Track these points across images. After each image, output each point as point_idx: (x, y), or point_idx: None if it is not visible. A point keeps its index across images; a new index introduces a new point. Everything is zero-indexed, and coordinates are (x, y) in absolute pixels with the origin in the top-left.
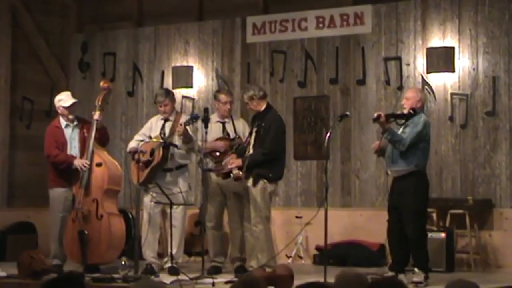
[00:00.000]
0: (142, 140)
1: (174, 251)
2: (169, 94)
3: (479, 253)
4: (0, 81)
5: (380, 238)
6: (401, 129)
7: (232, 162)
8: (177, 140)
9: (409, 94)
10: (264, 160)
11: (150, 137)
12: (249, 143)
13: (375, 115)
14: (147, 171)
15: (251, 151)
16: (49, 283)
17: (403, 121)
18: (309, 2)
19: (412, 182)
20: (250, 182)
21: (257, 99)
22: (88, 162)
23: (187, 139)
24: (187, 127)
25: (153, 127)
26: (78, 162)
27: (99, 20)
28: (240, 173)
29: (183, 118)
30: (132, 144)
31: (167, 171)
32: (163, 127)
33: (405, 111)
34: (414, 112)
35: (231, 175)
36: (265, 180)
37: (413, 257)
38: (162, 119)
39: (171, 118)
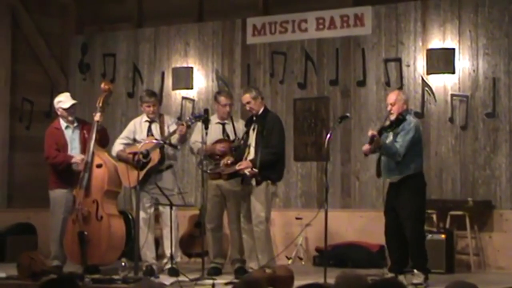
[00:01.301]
0: (127, 143)
1: (173, 251)
2: (155, 94)
3: (479, 254)
4: (0, 82)
5: (380, 240)
6: (391, 137)
7: (240, 164)
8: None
9: (393, 99)
10: (273, 159)
11: (134, 140)
12: (248, 144)
13: (370, 136)
14: (143, 173)
15: (251, 152)
16: (45, 284)
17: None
18: (309, 3)
19: (410, 184)
20: (253, 182)
21: (260, 99)
22: (83, 157)
23: (183, 139)
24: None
25: (137, 130)
26: (75, 159)
27: (99, 21)
28: (255, 170)
29: (168, 119)
30: (118, 148)
31: (160, 172)
32: (149, 129)
33: (393, 117)
34: (402, 116)
35: (247, 173)
36: (269, 181)
37: (412, 258)
38: (146, 121)
39: (156, 119)
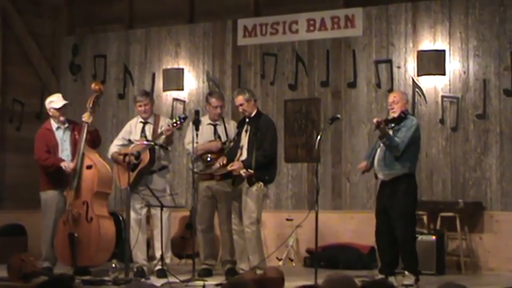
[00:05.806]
0: (122, 145)
1: (163, 252)
2: (148, 94)
3: (469, 255)
4: None
5: (371, 241)
6: (390, 132)
7: (232, 165)
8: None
9: (396, 97)
10: (265, 162)
11: (129, 141)
12: (241, 146)
13: (376, 122)
14: (134, 174)
15: (244, 153)
16: (39, 286)
17: (393, 124)
18: (300, 5)
19: (402, 185)
20: (245, 183)
21: (253, 102)
22: (73, 165)
23: (170, 140)
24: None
25: (132, 131)
26: (64, 164)
27: (90, 22)
28: (251, 171)
29: (163, 120)
30: (113, 149)
31: (151, 173)
32: (143, 130)
33: (396, 115)
34: (404, 115)
35: (242, 174)
36: (261, 183)
37: (403, 259)
38: (140, 121)
39: (150, 120)
